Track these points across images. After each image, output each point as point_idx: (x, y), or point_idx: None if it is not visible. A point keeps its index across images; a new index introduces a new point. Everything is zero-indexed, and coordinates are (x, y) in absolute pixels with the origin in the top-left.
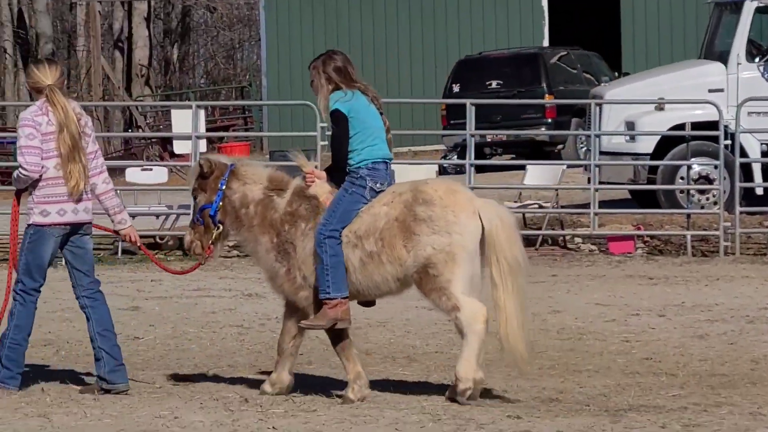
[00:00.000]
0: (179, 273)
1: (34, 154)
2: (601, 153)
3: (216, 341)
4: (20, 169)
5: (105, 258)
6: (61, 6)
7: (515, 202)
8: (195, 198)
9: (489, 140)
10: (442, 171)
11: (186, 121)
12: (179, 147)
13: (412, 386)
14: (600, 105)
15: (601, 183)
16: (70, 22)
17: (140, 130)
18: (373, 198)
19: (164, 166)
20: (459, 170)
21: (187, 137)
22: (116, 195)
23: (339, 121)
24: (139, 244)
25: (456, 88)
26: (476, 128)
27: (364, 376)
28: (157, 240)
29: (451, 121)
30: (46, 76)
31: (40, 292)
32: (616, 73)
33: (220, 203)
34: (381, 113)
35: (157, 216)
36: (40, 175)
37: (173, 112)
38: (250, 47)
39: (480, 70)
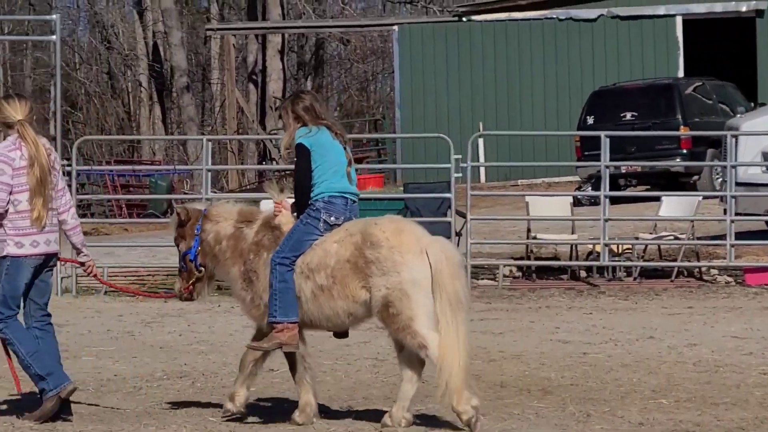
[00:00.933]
0: (148, 296)
1: (3, 190)
2: (738, 184)
3: (350, 373)
4: None
5: None
6: (196, 39)
7: (650, 233)
8: (177, 246)
9: (624, 171)
10: (577, 203)
11: None
12: None
13: (549, 418)
14: (736, 136)
15: (737, 214)
16: (205, 56)
17: (274, 162)
18: (327, 231)
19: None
20: (593, 202)
21: None
22: (81, 231)
23: (301, 154)
24: (98, 277)
25: (590, 120)
26: (611, 160)
27: (313, 405)
28: None
29: (586, 153)
30: (17, 111)
31: (16, 318)
32: (752, 104)
33: (198, 247)
34: (345, 148)
35: None
36: (8, 210)
37: None
38: (383, 79)
39: (614, 101)
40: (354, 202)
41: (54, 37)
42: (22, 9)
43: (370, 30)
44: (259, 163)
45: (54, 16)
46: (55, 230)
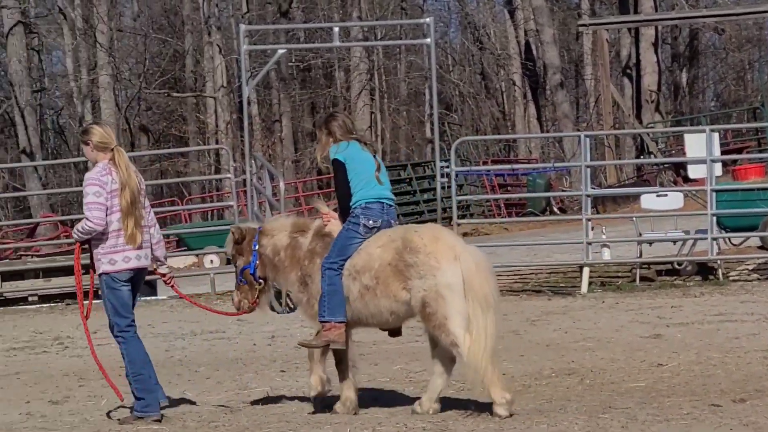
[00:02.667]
0: (223, 314)
1: (99, 209)
2: None
3: (741, 366)
4: (85, 222)
5: (624, 285)
6: (568, 36)
7: None
8: (234, 263)
9: None
10: None
11: (700, 146)
12: (694, 172)
13: None
14: None
15: None
16: (577, 52)
17: (652, 156)
18: (368, 234)
19: (679, 191)
20: None
21: (702, 161)
22: (164, 245)
23: (337, 168)
24: (175, 288)
25: None
26: None
27: (353, 400)
28: (675, 266)
29: None
30: (112, 137)
31: (134, 325)
32: None
33: (257, 262)
34: (375, 157)
35: (674, 242)
36: (105, 229)
37: (686, 136)
38: (760, 67)
39: None
40: (390, 206)
41: (428, 40)
42: (395, 14)
43: (744, 18)
44: (637, 157)
45: (427, 20)
46: (146, 246)
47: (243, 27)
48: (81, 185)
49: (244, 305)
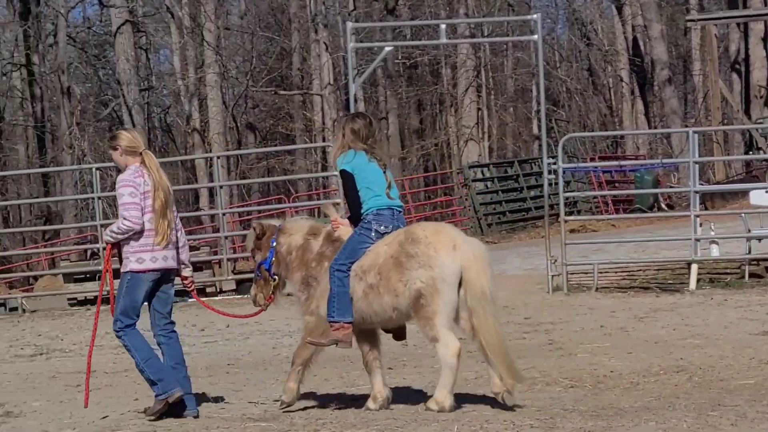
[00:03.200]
0: (239, 317)
1: (137, 209)
2: None
3: None
4: (123, 221)
5: (732, 282)
6: (676, 31)
7: None
8: (254, 257)
9: None
10: None
11: None
12: None
13: None
14: None
15: None
16: (685, 47)
17: (761, 152)
18: (378, 239)
19: None
20: None
21: None
22: (188, 248)
23: (346, 179)
24: (194, 293)
25: None
26: None
27: (384, 393)
28: None
29: None
30: (140, 141)
31: (135, 326)
32: None
33: (273, 258)
34: (384, 170)
35: None
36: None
37: None
38: None
39: None
40: (400, 212)
41: (535, 36)
42: (501, 11)
43: None
44: (746, 153)
45: (534, 16)
46: (173, 248)
47: (350, 24)
48: (189, 183)
49: (260, 300)
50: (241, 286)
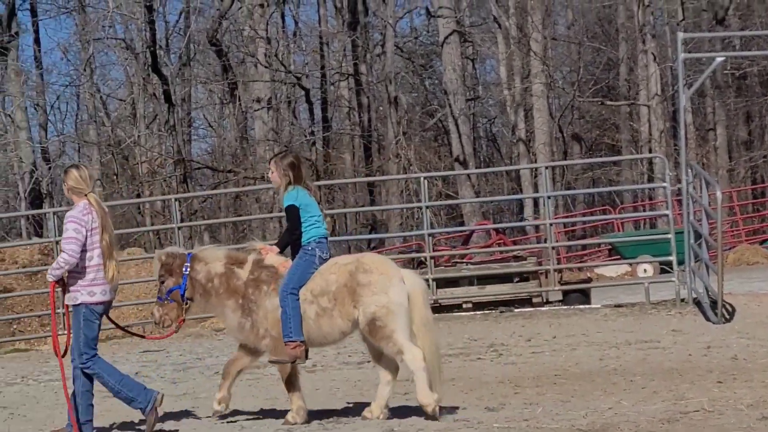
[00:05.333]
0: (156, 338)
1: (77, 244)
2: None
3: None
4: (62, 255)
5: None
6: None
7: None
8: (162, 282)
9: None
10: None
11: None
12: None
13: None
14: None
15: None
16: None
17: None
18: (321, 264)
19: None
20: None
21: None
22: None
23: (293, 213)
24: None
25: None
26: None
27: (304, 408)
28: None
29: None
30: (87, 183)
31: (98, 355)
32: None
33: (187, 283)
34: (318, 202)
35: None
36: (85, 263)
37: None
38: None
39: None
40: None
41: None
42: None
43: None
44: None
45: None
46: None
47: (681, 35)
48: (513, 194)
49: (166, 321)
50: (568, 297)
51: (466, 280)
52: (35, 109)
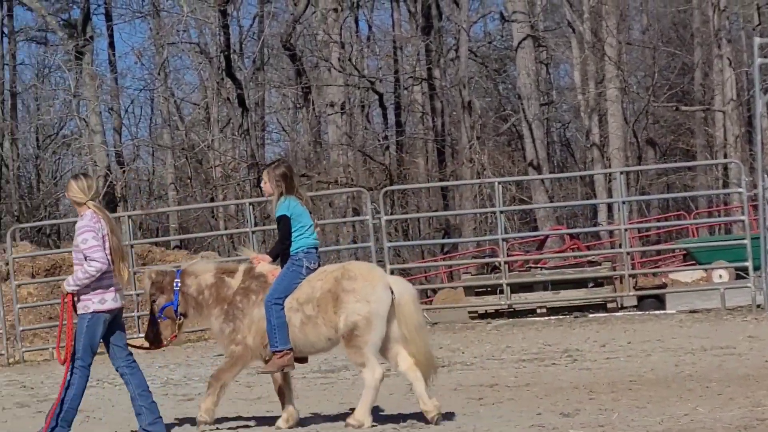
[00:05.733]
0: (146, 349)
1: (101, 250)
2: None
3: None
4: (91, 263)
5: None
6: None
7: None
8: (154, 301)
9: None
10: None
11: None
12: None
13: None
14: None
15: None
16: None
17: None
18: (308, 274)
19: None
20: None
21: None
22: None
23: (284, 223)
24: None
25: None
26: None
27: (295, 415)
28: None
29: None
30: (85, 193)
31: (90, 367)
32: None
33: (179, 299)
34: (310, 212)
35: None
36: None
37: None
38: None
39: None
40: (318, 251)
41: None
42: None
43: None
44: None
45: None
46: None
47: (757, 40)
48: (587, 199)
49: (164, 340)
50: (643, 303)
51: (540, 285)
52: (110, 112)
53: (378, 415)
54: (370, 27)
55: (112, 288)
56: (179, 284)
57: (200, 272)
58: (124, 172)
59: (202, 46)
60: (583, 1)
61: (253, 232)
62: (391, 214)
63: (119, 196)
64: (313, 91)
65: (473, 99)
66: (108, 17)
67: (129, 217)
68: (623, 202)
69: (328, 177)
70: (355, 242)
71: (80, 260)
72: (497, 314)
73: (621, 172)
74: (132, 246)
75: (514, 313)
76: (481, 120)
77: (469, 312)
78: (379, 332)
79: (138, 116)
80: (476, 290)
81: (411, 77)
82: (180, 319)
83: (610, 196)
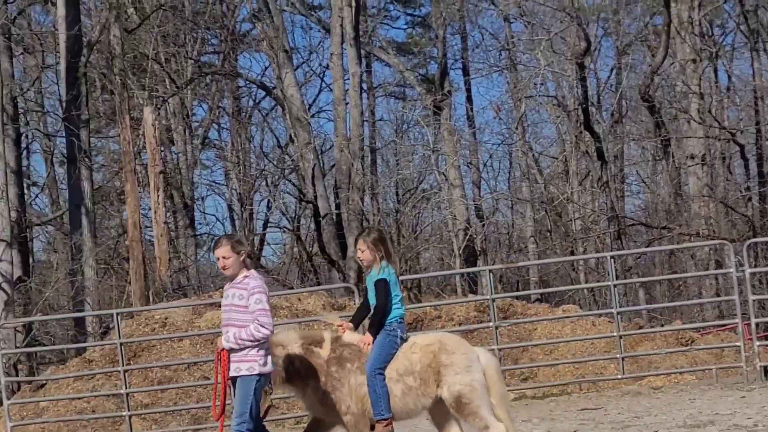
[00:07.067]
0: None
1: (270, 316)
2: None
3: None
4: (261, 329)
5: None
6: None
7: None
8: None
9: None
10: None
11: None
12: None
13: None
14: None
15: None
16: None
17: None
18: (402, 344)
19: None
20: None
21: None
22: None
23: (385, 288)
24: None
25: None
26: None
27: None
28: None
29: None
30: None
31: None
32: None
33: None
34: (399, 282)
35: None
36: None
37: None
38: None
39: None
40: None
41: None
42: None
43: None
44: None
45: None
46: None
47: None
48: None
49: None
50: None
51: None
52: (468, 167)
53: None
54: (729, 77)
55: (268, 351)
56: None
57: (287, 343)
58: (483, 225)
59: (560, 99)
60: None
61: (615, 286)
62: (755, 266)
63: (479, 249)
64: (673, 143)
65: None
66: (465, 72)
67: (489, 270)
68: None
69: (690, 229)
70: (718, 295)
71: (244, 321)
72: None
73: None
74: (493, 300)
75: None
76: None
77: None
78: (485, 395)
79: (497, 170)
80: None
81: None
82: (271, 390)
83: None
